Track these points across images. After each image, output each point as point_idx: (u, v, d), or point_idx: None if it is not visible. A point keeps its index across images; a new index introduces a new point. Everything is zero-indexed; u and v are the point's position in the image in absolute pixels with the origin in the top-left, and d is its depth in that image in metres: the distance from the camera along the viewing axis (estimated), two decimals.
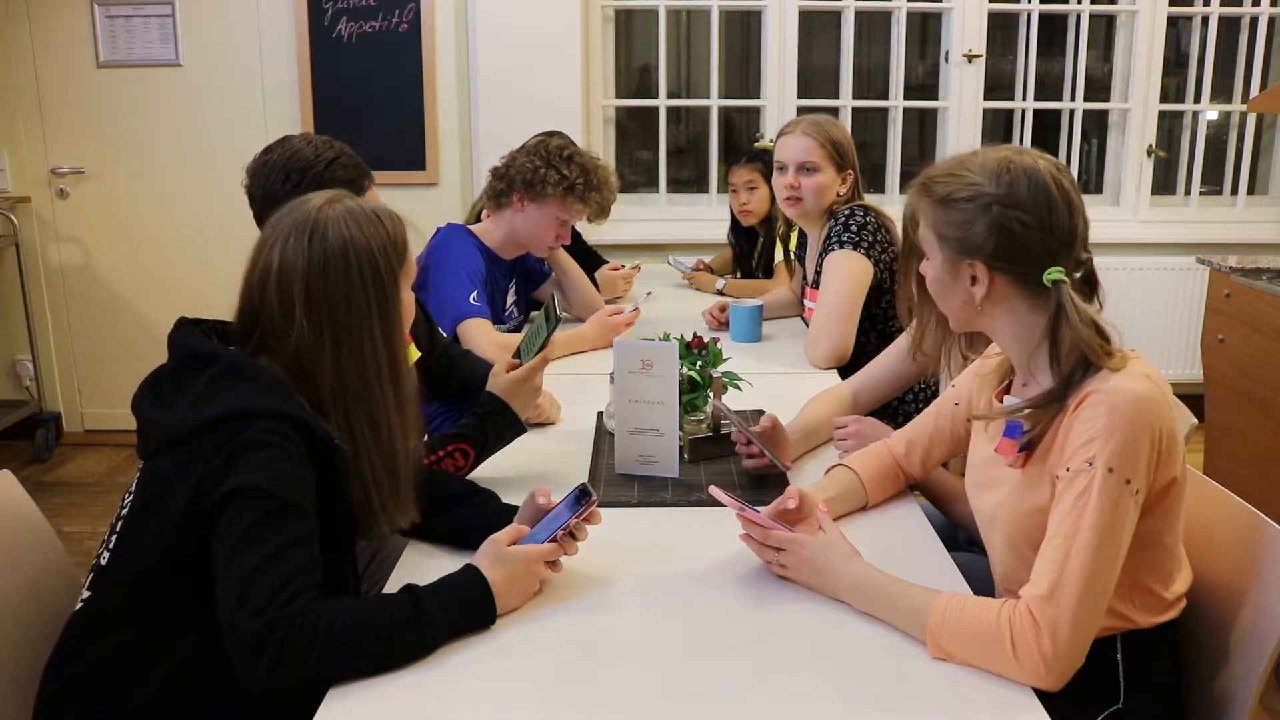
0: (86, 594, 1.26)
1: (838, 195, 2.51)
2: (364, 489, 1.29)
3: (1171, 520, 1.29)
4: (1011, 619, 1.13)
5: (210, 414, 1.19)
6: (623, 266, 3.27)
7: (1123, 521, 1.16)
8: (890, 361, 2.01)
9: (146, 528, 1.22)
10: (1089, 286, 1.31)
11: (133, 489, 1.29)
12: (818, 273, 2.53)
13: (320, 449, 1.23)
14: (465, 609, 1.22)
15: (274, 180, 1.77)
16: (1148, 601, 1.30)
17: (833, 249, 2.42)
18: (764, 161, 3.32)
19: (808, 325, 2.74)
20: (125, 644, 1.21)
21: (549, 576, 1.33)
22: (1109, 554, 1.15)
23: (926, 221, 1.32)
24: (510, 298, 2.76)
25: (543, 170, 2.48)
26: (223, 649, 1.10)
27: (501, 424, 1.67)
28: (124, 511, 1.27)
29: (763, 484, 1.68)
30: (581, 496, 1.32)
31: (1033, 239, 1.24)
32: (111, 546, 1.25)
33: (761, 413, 1.79)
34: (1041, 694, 1.12)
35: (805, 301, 2.71)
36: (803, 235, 2.76)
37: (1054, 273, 1.23)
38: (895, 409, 2.38)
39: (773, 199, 3.28)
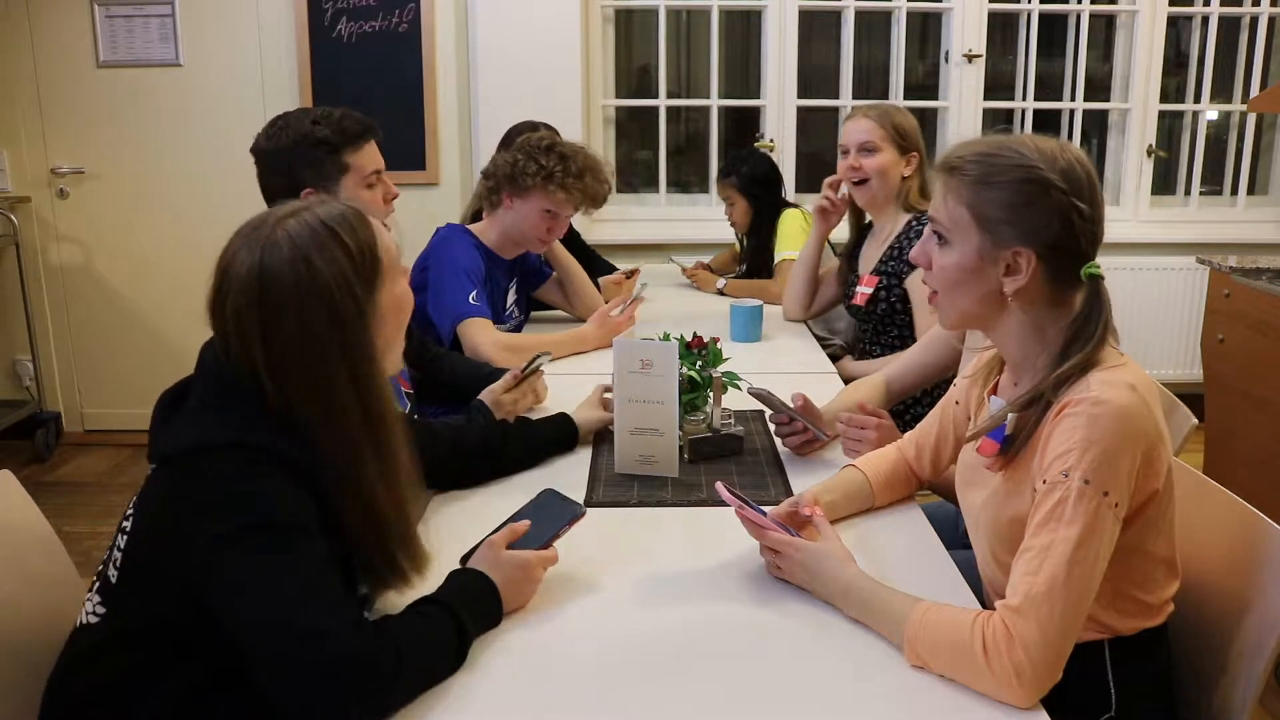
0: (100, 610, 1.21)
1: (903, 178, 2.52)
2: (344, 546, 1.17)
3: (1154, 531, 1.25)
4: (985, 630, 1.10)
5: (191, 440, 1.14)
6: (624, 279, 3.24)
7: (1099, 535, 1.12)
8: (920, 353, 2.04)
9: (147, 550, 1.18)
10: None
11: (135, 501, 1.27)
12: (882, 261, 2.52)
13: (302, 479, 1.14)
14: (485, 613, 1.23)
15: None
16: (1130, 608, 1.28)
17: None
18: (738, 175, 3.35)
19: (852, 313, 2.74)
20: (141, 661, 1.17)
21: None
22: (1084, 567, 1.11)
23: (962, 202, 1.24)
24: (510, 297, 2.76)
25: (521, 162, 2.52)
26: (234, 662, 1.07)
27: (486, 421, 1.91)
28: (126, 525, 1.23)
29: (764, 484, 1.69)
30: (574, 514, 1.35)
31: (1086, 230, 1.22)
32: (118, 565, 1.21)
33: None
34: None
35: (859, 289, 2.63)
36: (859, 234, 2.75)
37: (1092, 267, 1.23)
38: (902, 410, 2.38)
39: (751, 211, 3.31)
